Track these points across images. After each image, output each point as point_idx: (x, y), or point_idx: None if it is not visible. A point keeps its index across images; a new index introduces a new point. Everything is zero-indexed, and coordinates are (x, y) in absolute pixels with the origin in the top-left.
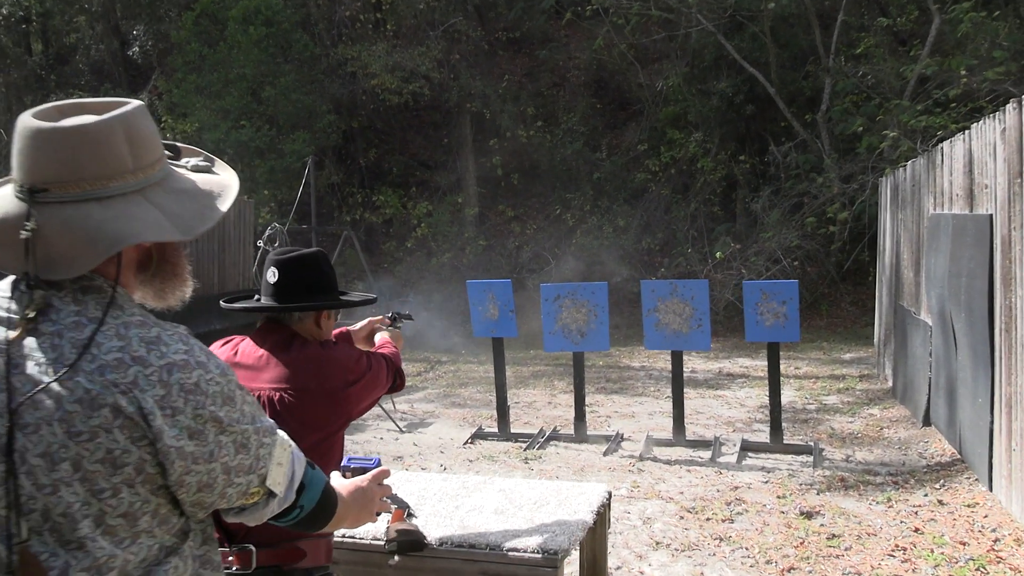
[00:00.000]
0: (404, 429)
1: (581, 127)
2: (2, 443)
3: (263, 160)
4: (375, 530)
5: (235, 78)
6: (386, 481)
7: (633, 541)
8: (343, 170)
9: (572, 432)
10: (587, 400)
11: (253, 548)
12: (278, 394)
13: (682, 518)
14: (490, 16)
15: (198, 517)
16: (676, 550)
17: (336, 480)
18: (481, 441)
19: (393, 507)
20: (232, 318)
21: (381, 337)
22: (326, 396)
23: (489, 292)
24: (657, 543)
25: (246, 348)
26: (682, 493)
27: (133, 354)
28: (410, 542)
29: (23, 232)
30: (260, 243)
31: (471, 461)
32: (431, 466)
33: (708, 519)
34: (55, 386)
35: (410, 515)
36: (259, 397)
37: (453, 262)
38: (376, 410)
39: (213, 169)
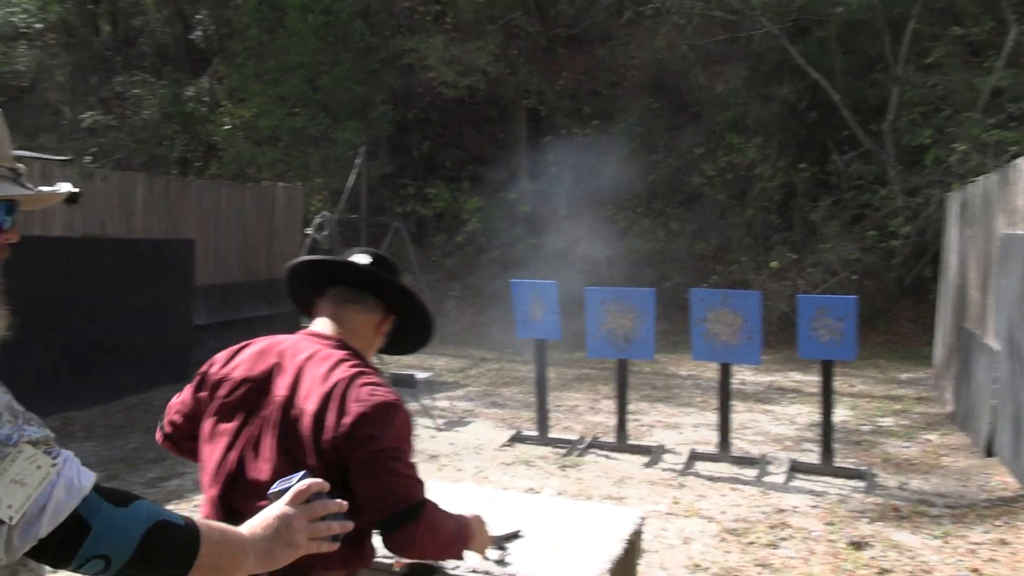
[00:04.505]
0: (442, 427)
1: (638, 127)
2: None
3: (316, 148)
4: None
5: (293, 65)
6: None
7: (670, 562)
8: (396, 161)
9: (612, 441)
10: (630, 408)
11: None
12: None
13: (723, 540)
14: (550, 12)
15: None
16: (715, 575)
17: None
18: (519, 444)
19: None
20: (279, 304)
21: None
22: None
23: (534, 293)
24: (695, 566)
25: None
26: (724, 513)
27: None
28: (421, 569)
29: None
30: (309, 231)
31: (507, 465)
32: (466, 467)
33: (751, 543)
34: None
35: None
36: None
37: (503, 258)
38: (413, 406)
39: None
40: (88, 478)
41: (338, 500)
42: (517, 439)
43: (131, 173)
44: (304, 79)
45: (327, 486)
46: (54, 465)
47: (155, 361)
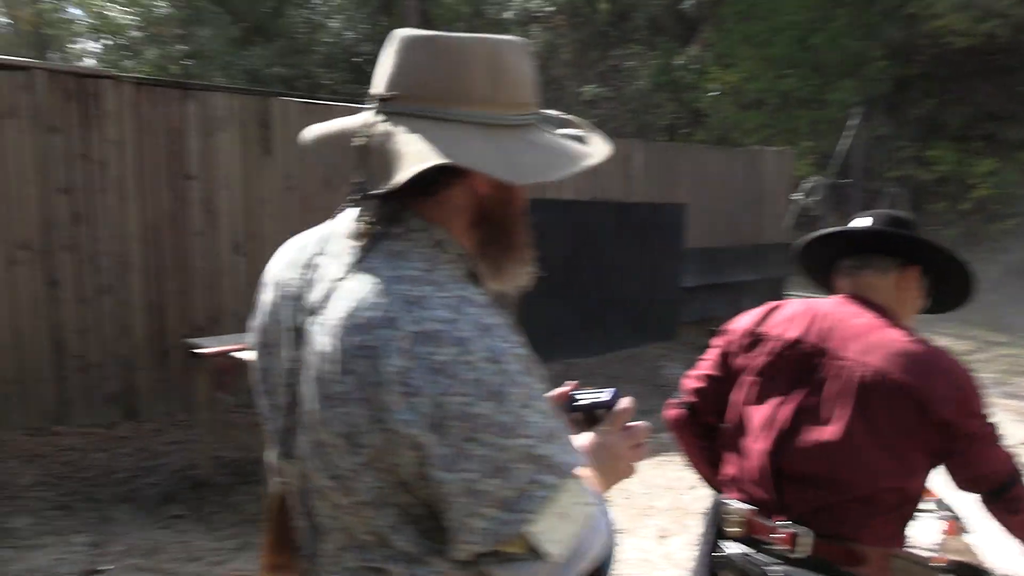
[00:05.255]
0: None
1: None
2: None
3: (805, 110)
4: (923, 539)
5: (784, 25)
6: None
7: None
8: (892, 122)
9: None
10: None
11: (812, 535)
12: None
13: None
14: None
15: (456, 554)
16: None
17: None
18: None
19: (941, 515)
20: (765, 270)
21: None
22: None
23: None
24: None
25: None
26: None
27: (387, 312)
28: (969, 570)
29: (356, 140)
30: (797, 196)
31: None
32: None
33: None
34: (322, 341)
35: (963, 530)
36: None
37: (1020, 229)
38: None
39: (586, 141)
40: (612, 524)
41: (643, 423)
42: None
43: (629, 140)
44: (794, 39)
45: (636, 407)
46: (593, 504)
47: (646, 318)
